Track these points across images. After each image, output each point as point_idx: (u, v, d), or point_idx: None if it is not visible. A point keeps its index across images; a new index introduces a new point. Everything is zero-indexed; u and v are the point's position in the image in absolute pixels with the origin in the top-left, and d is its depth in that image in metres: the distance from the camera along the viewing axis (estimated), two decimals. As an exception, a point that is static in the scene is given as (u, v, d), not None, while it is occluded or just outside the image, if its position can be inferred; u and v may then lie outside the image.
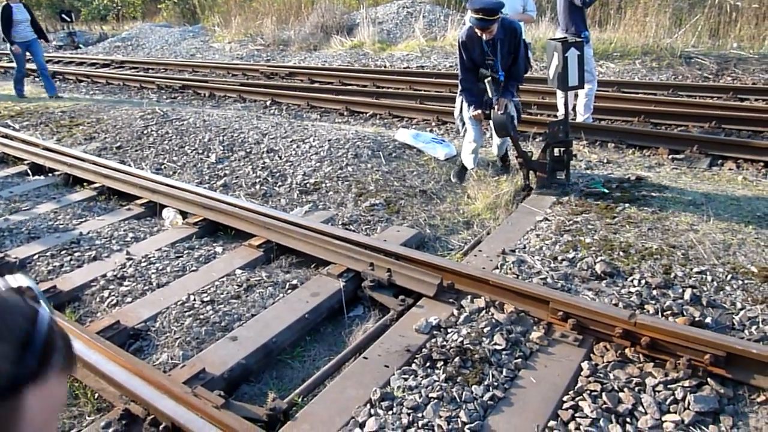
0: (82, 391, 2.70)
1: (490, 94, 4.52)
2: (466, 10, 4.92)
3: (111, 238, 4.23)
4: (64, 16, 19.80)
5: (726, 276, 3.27)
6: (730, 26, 10.76)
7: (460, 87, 4.72)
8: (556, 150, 4.64)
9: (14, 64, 10.40)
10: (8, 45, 9.90)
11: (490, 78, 4.47)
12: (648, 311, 3.00)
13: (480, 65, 4.53)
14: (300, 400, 2.56)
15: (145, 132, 6.86)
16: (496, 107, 4.47)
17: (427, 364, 2.68)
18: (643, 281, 3.26)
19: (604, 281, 3.32)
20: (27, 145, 6.43)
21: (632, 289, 3.20)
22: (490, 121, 4.61)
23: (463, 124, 5.00)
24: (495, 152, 5.37)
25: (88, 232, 4.34)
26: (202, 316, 3.17)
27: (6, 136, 6.99)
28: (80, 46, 19.16)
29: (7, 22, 9.59)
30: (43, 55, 10.28)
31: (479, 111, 4.56)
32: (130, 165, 5.85)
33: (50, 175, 5.78)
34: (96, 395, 2.67)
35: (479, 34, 4.34)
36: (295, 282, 3.51)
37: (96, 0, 23.00)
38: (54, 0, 24.95)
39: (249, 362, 2.83)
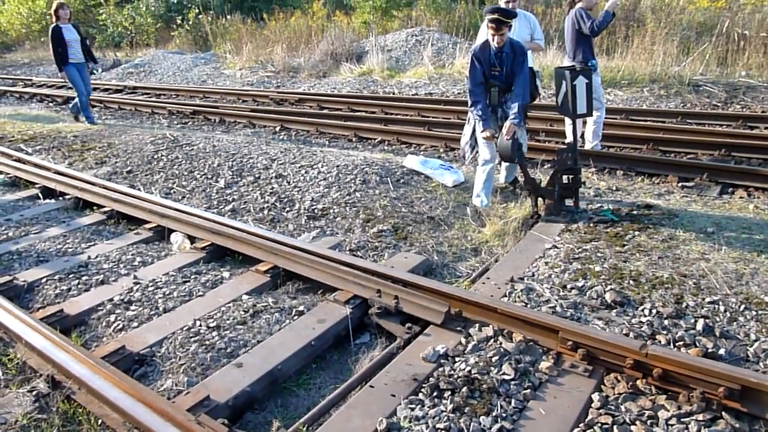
0: (86, 417, 2.67)
1: (495, 102, 4.71)
2: (481, 22, 5.01)
3: (119, 262, 4.24)
4: (79, 42, 20.16)
5: (739, 306, 3.21)
6: (738, 54, 10.80)
7: (470, 103, 4.75)
8: (564, 177, 4.63)
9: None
10: (63, 71, 9.36)
11: (496, 87, 4.69)
12: (659, 342, 2.95)
13: (487, 76, 4.69)
14: (305, 429, 2.52)
15: (156, 157, 6.92)
16: (504, 132, 4.49)
17: (435, 393, 2.63)
18: (654, 311, 3.21)
19: (615, 310, 3.28)
20: (39, 169, 6.50)
21: (643, 319, 3.15)
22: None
23: (471, 149, 5.03)
24: (502, 180, 5.38)
25: (96, 256, 4.34)
26: (207, 342, 3.14)
27: (19, 160, 7.07)
28: (94, 72, 19.47)
29: (58, 44, 9.14)
30: (90, 81, 9.92)
31: (489, 132, 4.60)
32: (139, 189, 5.89)
33: (61, 198, 5.82)
34: (99, 421, 2.64)
35: (492, 36, 4.49)
36: (301, 308, 3.49)
37: (111, 27, 23.45)
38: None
39: (254, 390, 2.79)
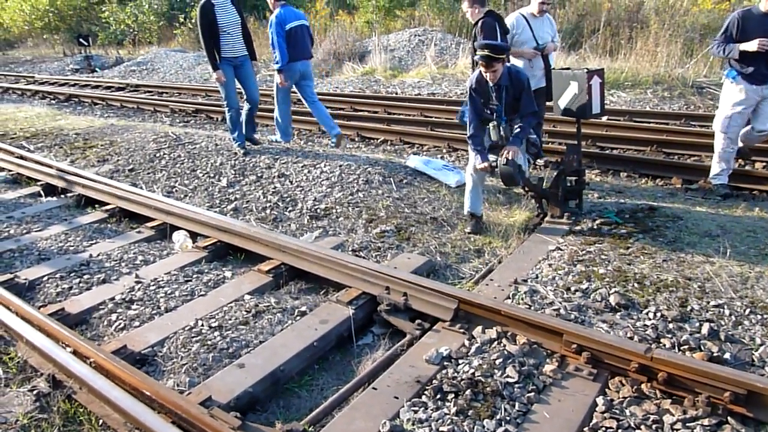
0: (86, 417, 2.65)
1: (493, 138, 4.52)
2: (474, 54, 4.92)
3: (120, 261, 4.23)
4: (81, 40, 20.23)
5: (744, 310, 3.19)
6: (741, 57, 10.77)
7: (468, 134, 4.56)
8: (568, 179, 4.61)
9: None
10: (211, 69, 6.36)
11: (495, 123, 4.48)
12: (664, 345, 2.93)
13: (485, 109, 4.51)
14: (309, 429, 2.50)
15: (158, 155, 6.91)
16: (502, 156, 4.33)
17: (438, 396, 2.62)
18: (658, 314, 3.19)
19: (619, 313, 3.26)
20: (41, 166, 6.49)
21: (648, 322, 3.13)
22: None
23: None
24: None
25: (98, 255, 4.33)
26: (209, 342, 3.13)
27: (21, 157, 7.06)
28: (96, 69, 19.50)
29: (209, 30, 6.12)
30: (256, 85, 6.74)
31: (486, 164, 4.40)
32: (141, 187, 5.88)
33: (63, 196, 5.81)
34: (100, 422, 2.62)
35: (485, 73, 4.32)
36: (304, 309, 3.47)
37: (113, 25, 23.46)
38: (72, 24, 25.50)
39: (256, 390, 2.78)
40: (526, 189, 4.76)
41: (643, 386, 2.63)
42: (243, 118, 6.78)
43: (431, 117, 9.26)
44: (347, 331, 3.29)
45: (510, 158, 4.27)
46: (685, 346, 2.90)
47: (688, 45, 11.22)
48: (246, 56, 6.47)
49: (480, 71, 4.39)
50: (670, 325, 3.09)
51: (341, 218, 4.93)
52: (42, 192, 5.95)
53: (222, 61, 6.26)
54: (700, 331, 3.02)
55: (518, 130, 4.43)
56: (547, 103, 5.71)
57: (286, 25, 6.46)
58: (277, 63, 6.52)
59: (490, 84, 4.40)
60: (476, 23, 5.50)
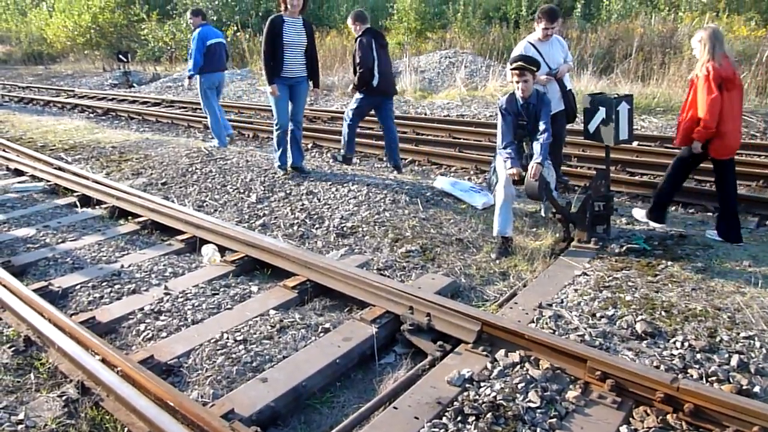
0: (113, 425, 2.71)
1: (527, 151, 4.74)
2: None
3: (151, 272, 4.32)
4: (120, 56, 20.84)
5: (776, 343, 3.12)
6: (778, 84, 10.60)
7: (502, 145, 4.72)
8: (596, 204, 4.58)
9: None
10: (271, 86, 6.16)
11: (526, 137, 4.73)
12: (691, 376, 2.88)
13: (515, 126, 4.73)
14: (327, 447, 2.52)
15: (190, 170, 7.06)
16: (530, 174, 4.42)
17: (459, 418, 2.61)
18: (686, 344, 3.14)
19: (645, 342, 3.21)
20: (77, 178, 6.69)
21: (675, 352, 3.08)
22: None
23: (497, 180, 5.05)
24: (543, 213, 5.35)
25: (129, 265, 4.43)
26: (234, 356, 3.17)
27: (59, 168, 7.29)
28: (134, 85, 20.05)
29: (272, 44, 6.07)
30: (303, 108, 6.60)
31: (516, 170, 4.52)
32: (173, 201, 6.01)
33: (97, 207, 5.97)
34: (126, 429, 2.67)
35: (517, 83, 4.55)
36: (327, 325, 3.50)
37: (152, 42, 24.13)
38: (112, 41, 26.31)
39: (278, 405, 2.80)
40: (553, 212, 4.77)
41: (668, 417, 2.58)
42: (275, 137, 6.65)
43: (459, 138, 9.30)
44: (370, 349, 3.31)
45: (537, 176, 4.39)
46: (713, 378, 2.85)
47: (723, 71, 11.07)
48: (304, 77, 6.33)
49: (512, 92, 4.68)
50: (698, 356, 3.03)
51: (367, 237, 4.97)
52: (78, 203, 6.12)
53: (276, 80, 6.15)
54: (729, 363, 2.96)
55: (538, 147, 4.55)
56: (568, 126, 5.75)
57: (207, 41, 8.25)
58: (190, 71, 8.39)
59: (520, 102, 4.65)
60: (355, 41, 6.34)
